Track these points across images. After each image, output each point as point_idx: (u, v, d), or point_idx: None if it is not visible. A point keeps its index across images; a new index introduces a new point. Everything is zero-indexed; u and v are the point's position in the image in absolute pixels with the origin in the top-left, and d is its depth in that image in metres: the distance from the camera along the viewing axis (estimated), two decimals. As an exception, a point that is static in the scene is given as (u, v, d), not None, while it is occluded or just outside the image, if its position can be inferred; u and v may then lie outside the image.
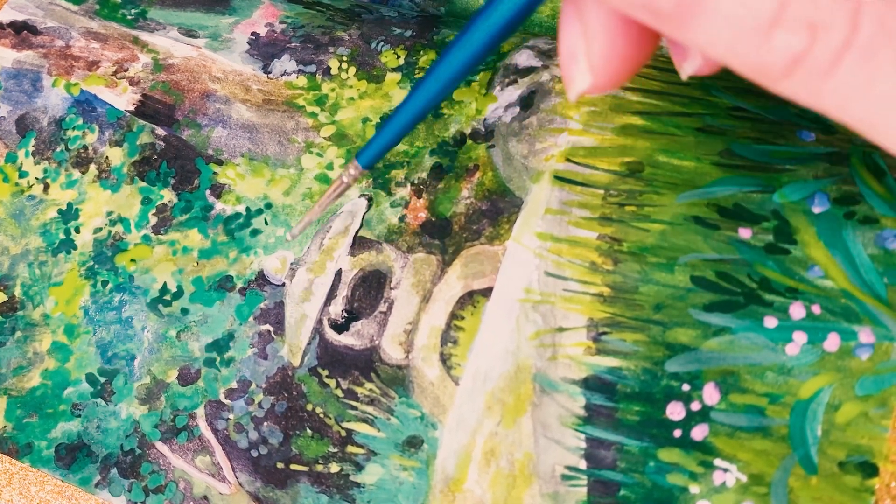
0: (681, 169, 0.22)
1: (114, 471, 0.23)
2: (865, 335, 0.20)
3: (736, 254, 0.22)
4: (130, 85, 0.27)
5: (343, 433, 0.22)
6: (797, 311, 0.21)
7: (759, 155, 0.22)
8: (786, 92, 0.11)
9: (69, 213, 0.26)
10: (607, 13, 0.12)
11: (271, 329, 0.23)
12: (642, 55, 0.13)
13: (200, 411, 0.23)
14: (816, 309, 0.21)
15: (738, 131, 0.22)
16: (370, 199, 0.24)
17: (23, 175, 0.27)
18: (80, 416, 0.24)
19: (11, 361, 0.24)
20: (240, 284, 0.24)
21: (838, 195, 0.21)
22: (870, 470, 0.19)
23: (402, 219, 0.24)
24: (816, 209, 0.21)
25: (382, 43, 0.26)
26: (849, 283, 0.21)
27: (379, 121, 0.25)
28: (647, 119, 0.23)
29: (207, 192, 0.25)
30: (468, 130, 0.24)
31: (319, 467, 0.22)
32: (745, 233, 0.22)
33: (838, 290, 0.21)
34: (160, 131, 0.26)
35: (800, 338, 0.21)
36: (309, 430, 0.22)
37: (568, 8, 0.13)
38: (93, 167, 0.26)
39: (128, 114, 0.27)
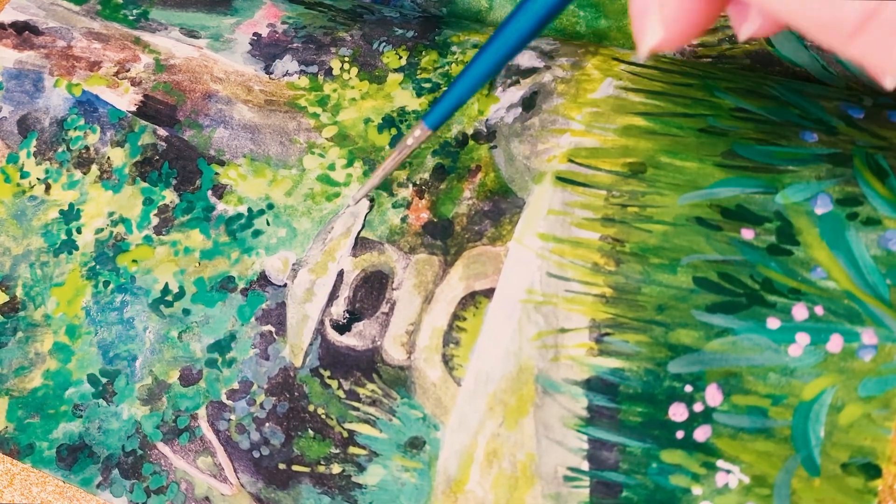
0: (683, 170, 0.22)
1: (115, 471, 0.23)
2: (868, 336, 0.20)
3: (738, 255, 0.22)
4: (132, 85, 0.27)
5: (345, 434, 0.22)
6: (800, 312, 0.21)
7: (761, 156, 0.22)
8: (856, 52, 0.10)
9: (71, 214, 0.26)
10: None
11: (273, 330, 0.23)
12: (714, 11, 0.13)
13: (202, 412, 0.23)
14: (819, 310, 0.21)
15: (741, 132, 0.22)
16: (372, 200, 0.24)
17: (24, 175, 0.27)
18: (81, 416, 0.24)
19: (13, 362, 0.24)
20: (241, 285, 0.24)
21: (841, 196, 0.21)
22: (873, 471, 0.19)
23: (403, 219, 0.24)
24: (819, 210, 0.21)
25: (384, 43, 0.26)
26: (851, 284, 0.21)
27: (381, 121, 0.25)
28: (649, 120, 0.23)
29: (209, 192, 0.25)
30: (470, 131, 0.24)
31: (321, 468, 0.22)
32: (747, 234, 0.22)
33: (841, 291, 0.21)
34: (162, 132, 0.26)
35: (802, 339, 0.21)
36: (311, 431, 0.22)
37: None
38: (94, 168, 0.26)
39: (129, 114, 0.27)
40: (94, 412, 0.24)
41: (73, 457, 0.23)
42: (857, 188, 0.21)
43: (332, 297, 0.23)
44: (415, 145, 0.20)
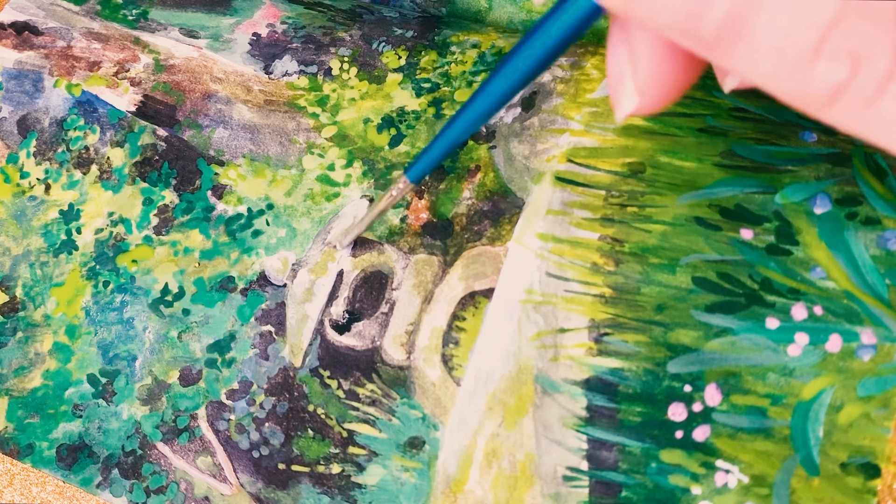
0: (682, 170, 0.22)
1: (115, 471, 0.23)
2: (867, 336, 0.20)
3: (737, 255, 0.22)
4: (132, 85, 0.27)
5: (344, 434, 0.22)
6: (799, 312, 0.21)
7: (760, 156, 0.22)
8: (828, 119, 0.11)
9: (70, 214, 0.26)
10: (653, 38, 0.12)
11: (273, 330, 0.23)
12: (688, 78, 0.13)
13: (202, 412, 0.23)
14: (818, 310, 0.21)
15: (740, 132, 0.22)
16: (371, 201, 0.24)
17: (24, 176, 0.27)
18: (81, 416, 0.24)
19: (13, 362, 0.24)
20: (241, 285, 0.24)
21: (840, 196, 0.21)
22: (872, 471, 0.19)
23: (403, 220, 0.24)
24: (818, 210, 0.21)
25: (384, 43, 0.26)
26: (851, 284, 0.21)
27: (380, 121, 0.25)
28: (648, 120, 0.23)
29: (209, 192, 0.25)
30: (469, 131, 0.24)
31: (321, 468, 0.22)
32: (746, 234, 0.22)
33: (840, 291, 0.21)
34: (161, 132, 0.26)
35: (801, 339, 0.21)
36: (310, 431, 0.22)
37: (615, 32, 0.13)
38: (94, 168, 0.26)
39: (129, 114, 0.27)
40: (94, 412, 0.24)
41: (73, 457, 0.23)
42: (856, 188, 0.21)
43: (332, 297, 0.23)
44: (398, 197, 0.21)
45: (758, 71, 0.10)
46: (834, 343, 0.20)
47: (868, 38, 0.09)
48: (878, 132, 0.10)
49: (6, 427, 0.24)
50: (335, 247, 0.23)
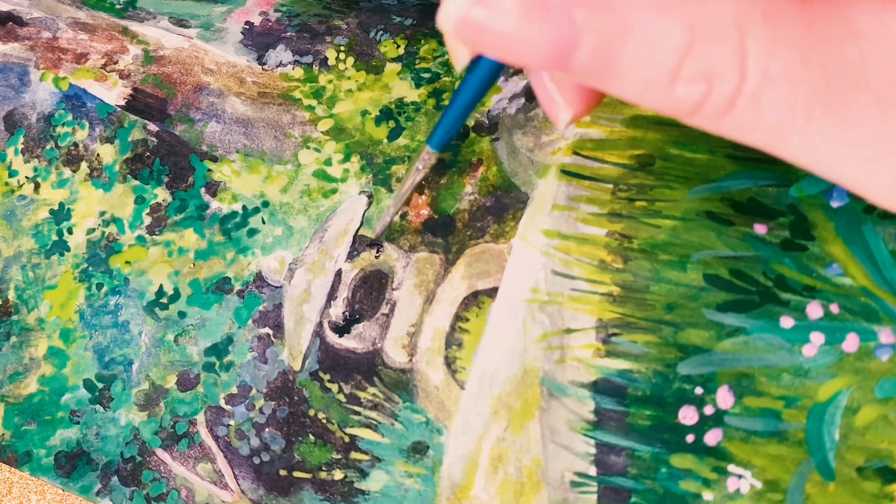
0: (693, 162, 0.21)
1: (114, 478, 0.23)
2: (886, 335, 0.20)
3: (751, 250, 0.21)
4: (120, 78, 0.26)
5: (346, 439, 0.22)
6: (814, 310, 0.20)
7: (775, 147, 0.21)
8: (693, 125, 0.13)
9: (61, 214, 0.25)
10: None
11: (271, 332, 0.23)
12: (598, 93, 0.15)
13: (201, 417, 0.23)
14: (835, 308, 0.20)
15: (754, 122, 0.21)
16: (370, 196, 0.23)
17: (13, 174, 0.26)
18: (78, 422, 0.23)
19: (7, 367, 0.24)
20: (238, 286, 0.23)
21: (858, 189, 0.20)
22: (889, 475, 0.19)
23: (403, 216, 0.23)
24: (834, 203, 0.20)
25: (381, 32, 0.25)
26: (868, 280, 0.20)
27: (379, 113, 0.24)
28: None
29: (202, 190, 0.24)
30: (471, 123, 0.23)
31: (323, 474, 0.22)
32: (760, 228, 0.21)
33: (857, 287, 0.20)
34: (152, 127, 0.25)
35: (817, 338, 0.20)
36: (311, 437, 0.22)
37: (531, 72, 0.16)
38: (84, 165, 0.25)
39: (118, 109, 0.26)
40: (92, 418, 0.23)
41: (72, 464, 0.23)
42: (875, 181, 0.20)
43: (331, 297, 0.23)
44: (425, 170, 0.20)
45: (628, 93, 0.12)
46: (851, 342, 0.20)
47: (717, 61, 0.11)
48: (736, 135, 0.12)
49: (3, 434, 0.23)
50: (373, 237, 0.23)
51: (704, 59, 0.11)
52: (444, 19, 0.12)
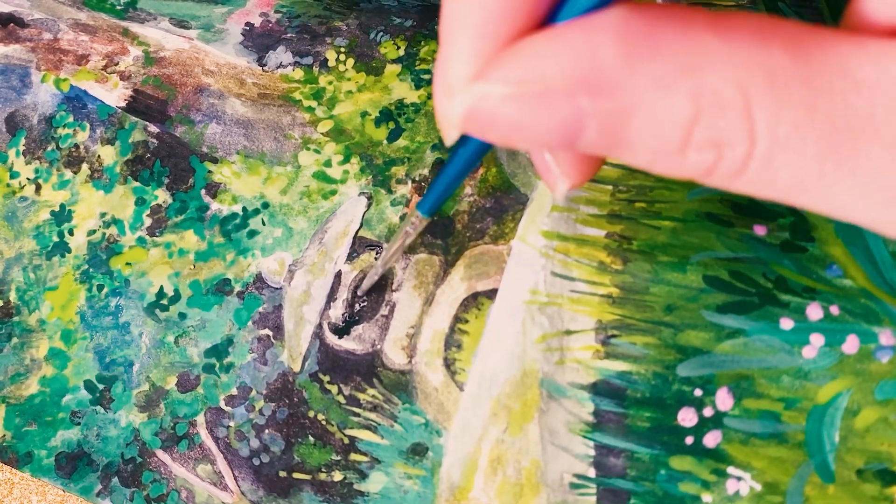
0: (693, 163, 0.21)
1: (115, 479, 0.23)
2: (886, 337, 0.20)
3: (751, 252, 0.21)
4: (121, 80, 0.26)
5: (346, 440, 0.22)
6: (814, 311, 0.20)
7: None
8: (707, 185, 0.13)
9: (62, 215, 0.25)
10: None
11: (270, 334, 0.23)
12: (598, 161, 0.15)
13: (201, 418, 0.23)
14: (835, 310, 0.20)
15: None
16: (370, 198, 0.23)
17: (14, 175, 0.26)
18: (79, 423, 0.23)
19: (9, 368, 0.24)
20: (238, 288, 0.23)
21: (859, 191, 0.20)
22: (889, 478, 0.19)
23: (403, 217, 0.23)
24: (835, 205, 0.20)
25: (382, 33, 0.25)
26: (869, 282, 0.20)
27: (379, 115, 0.24)
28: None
29: (202, 191, 0.24)
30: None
31: (322, 475, 0.22)
32: (760, 230, 0.21)
33: (858, 289, 0.20)
34: (153, 128, 0.25)
35: (817, 340, 0.20)
36: (311, 438, 0.22)
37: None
38: (85, 167, 0.25)
39: (119, 110, 0.26)
40: (92, 419, 0.23)
41: (72, 465, 0.23)
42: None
43: (330, 299, 0.23)
44: (414, 234, 0.19)
45: (640, 162, 0.12)
46: (851, 344, 0.20)
47: (725, 128, 0.11)
48: (751, 192, 0.12)
49: (4, 435, 0.23)
50: (361, 296, 0.23)
51: (712, 127, 0.11)
52: (447, 111, 0.12)
